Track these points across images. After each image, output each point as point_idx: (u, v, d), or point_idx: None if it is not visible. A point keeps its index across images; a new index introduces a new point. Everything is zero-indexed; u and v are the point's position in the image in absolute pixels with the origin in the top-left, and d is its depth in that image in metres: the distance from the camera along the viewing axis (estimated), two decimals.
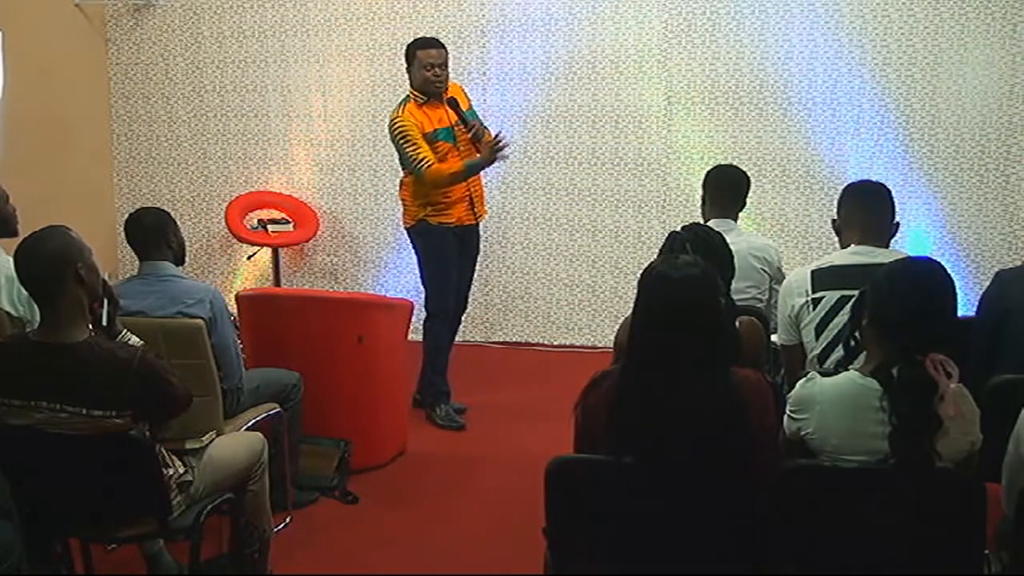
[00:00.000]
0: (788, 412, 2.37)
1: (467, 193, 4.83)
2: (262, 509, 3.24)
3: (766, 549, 2.23)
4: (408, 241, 5.03)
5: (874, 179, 3.40)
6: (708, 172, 4.14)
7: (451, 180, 4.67)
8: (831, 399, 2.29)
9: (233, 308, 4.07)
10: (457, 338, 6.34)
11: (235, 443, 3.17)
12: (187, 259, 3.56)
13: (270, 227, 6.28)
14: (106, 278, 2.78)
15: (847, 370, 2.38)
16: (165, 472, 2.76)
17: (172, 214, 3.49)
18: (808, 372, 2.52)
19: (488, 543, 3.66)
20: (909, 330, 2.26)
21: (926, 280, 2.39)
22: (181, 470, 2.84)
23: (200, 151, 6.59)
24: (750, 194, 4.09)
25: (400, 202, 4.98)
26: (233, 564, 3.20)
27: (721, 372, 2.25)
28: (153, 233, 3.37)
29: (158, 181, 6.66)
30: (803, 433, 2.33)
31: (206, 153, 6.59)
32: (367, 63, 6.29)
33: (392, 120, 4.73)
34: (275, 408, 3.67)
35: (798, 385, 2.37)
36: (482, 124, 4.82)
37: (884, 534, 2.19)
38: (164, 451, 2.80)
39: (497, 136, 4.65)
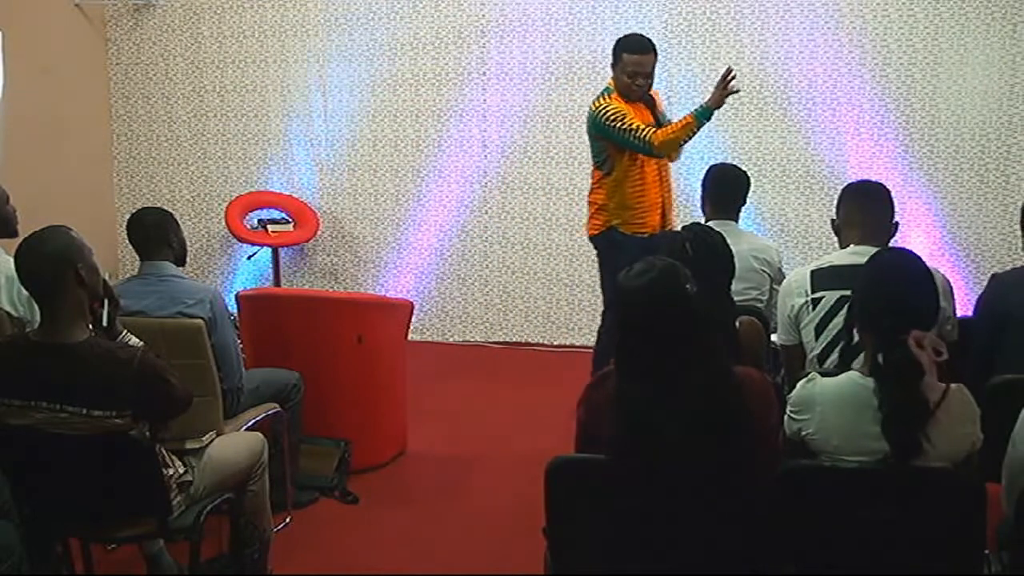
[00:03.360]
0: (788, 412, 2.37)
1: (660, 199, 4.45)
2: (262, 509, 3.24)
3: (766, 549, 2.23)
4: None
5: (874, 179, 3.40)
6: (707, 172, 4.14)
7: (684, 135, 4.21)
8: (831, 399, 2.29)
9: (233, 308, 4.07)
10: (457, 338, 6.41)
11: (235, 443, 3.17)
12: (187, 259, 3.56)
13: (270, 227, 6.29)
14: (106, 278, 2.78)
15: (848, 370, 2.39)
16: (165, 472, 2.76)
17: (172, 214, 3.49)
18: (809, 372, 2.53)
19: (488, 543, 3.66)
20: (888, 318, 2.28)
21: (897, 267, 2.44)
22: (181, 470, 2.84)
23: (200, 151, 6.59)
24: (750, 194, 4.09)
25: (588, 206, 4.64)
26: (233, 564, 3.20)
27: (714, 361, 2.23)
28: (154, 233, 3.37)
29: (158, 181, 6.66)
30: (804, 433, 2.33)
31: (206, 153, 6.59)
32: (367, 63, 6.29)
33: (599, 109, 4.33)
34: (275, 408, 3.67)
35: (798, 385, 2.38)
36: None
37: (884, 534, 2.19)
38: (164, 451, 2.80)
39: (726, 73, 4.21)
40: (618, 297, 2.28)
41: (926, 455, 2.17)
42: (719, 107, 4.21)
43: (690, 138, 4.27)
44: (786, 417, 2.37)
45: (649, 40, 4.42)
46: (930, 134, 5.72)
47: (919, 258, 2.50)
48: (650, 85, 4.42)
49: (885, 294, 2.36)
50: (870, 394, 2.24)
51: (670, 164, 4.55)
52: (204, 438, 3.04)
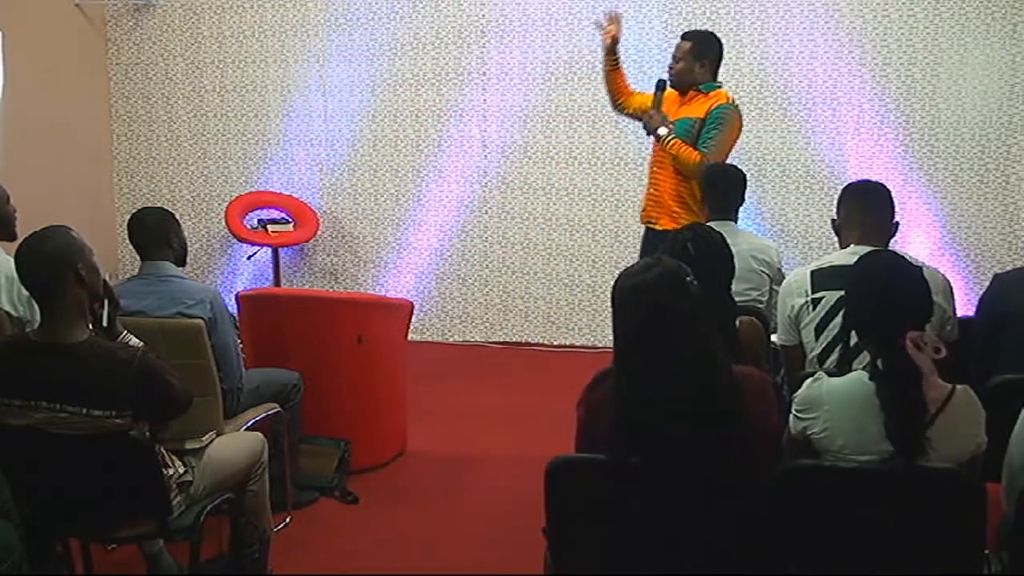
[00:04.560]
0: (794, 411, 2.37)
1: (650, 190, 4.70)
2: (262, 509, 3.24)
3: (766, 549, 2.23)
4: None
5: (874, 179, 3.41)
6: (705, 173, 4.14)
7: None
8: (839, 399, 2.29)
9: (233, 308, 4.07)
10: (457, 338, 6.41)
11: (235, 443, 3.17)
12: (187, 259, 3.56)
13: (270, 227, 6.29)
14: (106, 278, 2.78)
15: (851, 370, 2.39)
16: (165, 472, 2.76)
17: (173, 214, 3.49)
18: (814, 372, 2.53)
19: (488, 543, 3.66)
20: (882, 322, 2.28)
21: (881, 270, 2.43)
22: (181, 470, 2.84)
23: (200, 151, 6.60)
24: (750, 194, 4.09)
25: None
26: (233, 564, 3.20)
27: (714, 361, 2.23)
28: (155, 232, 3.36)
29: (158, 181, 6.66)
30: (809, 433, 2.32)
31: (206, 153, 6.59)
32: (367, 63, 6.29)
33: None
34: (275, 408, 3.67)
35: (805, 385, 2.37)
36: (671, 128, 4.44)
37: (884, 534, 2.19)
38: (164, 451, 2.80)
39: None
40: (618, 297, 2.28)
41: (930, 455, 2.17)
42: None
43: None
44: (791, 416, 2.37)
45: (694, 31, 4.70)
46: (930, 134, 5.73)
47: (903, 257, 2.51)
48: (683, 71, 4.53)
49: (875, 298, 2.36)
50: (876, 395, 2.24)
51: (669, 164, 4.49)
52: (204, 438, 3.04)
